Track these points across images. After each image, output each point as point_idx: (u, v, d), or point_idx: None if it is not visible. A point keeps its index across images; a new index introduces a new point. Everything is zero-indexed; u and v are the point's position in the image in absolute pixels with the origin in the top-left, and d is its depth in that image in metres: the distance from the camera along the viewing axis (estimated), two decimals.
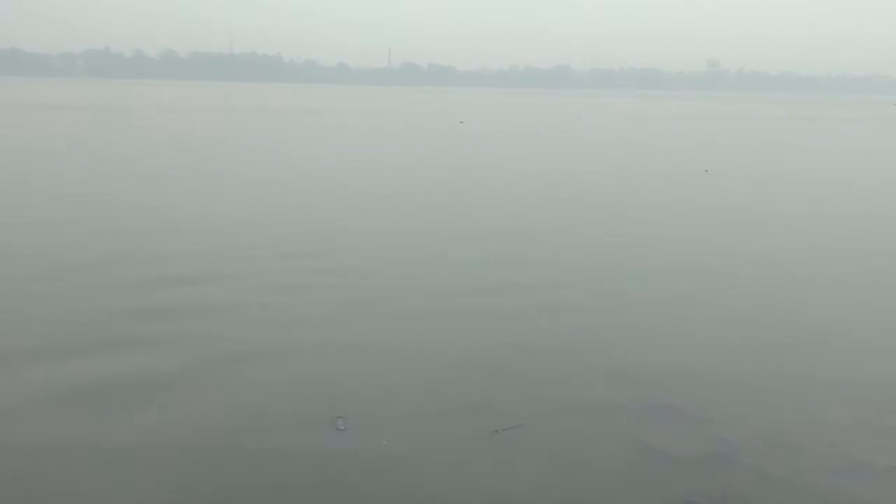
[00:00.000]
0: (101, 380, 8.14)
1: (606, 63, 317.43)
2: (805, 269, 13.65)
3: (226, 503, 6.09)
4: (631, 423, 7.42)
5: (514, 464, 6.64)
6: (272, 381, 8.24)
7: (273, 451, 6.77)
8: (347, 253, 13.97)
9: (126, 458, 6.63)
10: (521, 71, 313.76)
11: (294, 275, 12.38)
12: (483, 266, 13.16)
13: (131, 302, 10.73)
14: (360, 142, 39.47)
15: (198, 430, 7.15)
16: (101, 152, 30.83)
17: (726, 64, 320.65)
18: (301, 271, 12.60)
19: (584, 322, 10.34)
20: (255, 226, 16.34)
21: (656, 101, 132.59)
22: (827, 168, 30.98)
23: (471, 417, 7.45)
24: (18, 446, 6.81)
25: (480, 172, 26.39)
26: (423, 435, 7.13)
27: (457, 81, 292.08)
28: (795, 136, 51.66)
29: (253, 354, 8.93)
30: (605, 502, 6.18)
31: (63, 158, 28.43)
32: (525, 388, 8.15)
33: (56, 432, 7.02)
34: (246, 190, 21.36)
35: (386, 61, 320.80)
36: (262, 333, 9.64)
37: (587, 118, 70.40)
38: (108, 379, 8.17)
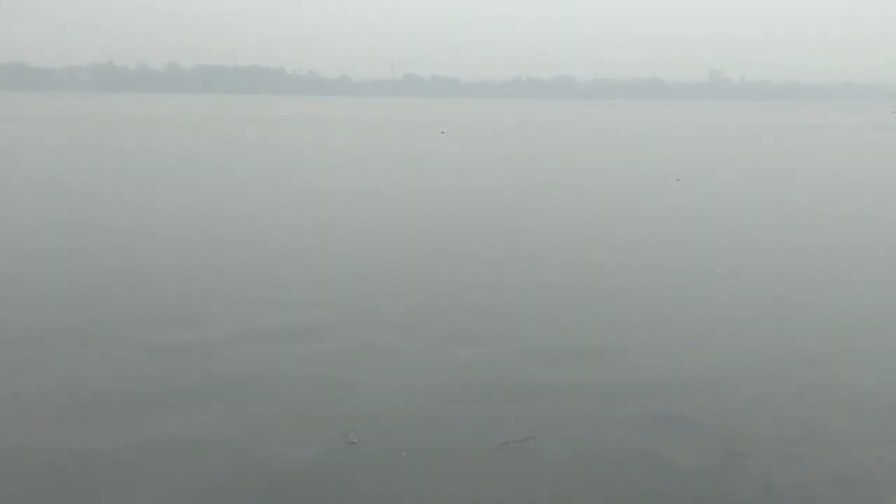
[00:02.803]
0: (114, 393, 8.30)
1: (609, 73, 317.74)
2: (812, 277, 13.75)
3: None
4: (638, 434, 7.53)
5: (523, 476, 6.75)
6: (285, 395, 8.37)
7: (288, 463, 6.91)
8: (356, 266, 14.13)
9: (140, 472, 6.75)
10: (523, 81, 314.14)
11: (307, 282, 12.55)
12: (491, 279, 13.30)
13: (155, 314, 10.92)
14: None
15: (210, 443, 7.29)
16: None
17: (728, 73, 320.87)
18: (311, 278, 12.77)
19: (590, 333, 10.45)
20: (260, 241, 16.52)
21: (654, 111, 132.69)
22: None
23: (482, 430, 7.56)
24: None
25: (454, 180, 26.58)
26: (436, 447, 7.25)
27: (460, 92, 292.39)
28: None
29: (266, 366, 9.09)
30: None
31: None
32: (533, 401, 8.26)
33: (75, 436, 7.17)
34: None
35: (389, 73, 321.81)
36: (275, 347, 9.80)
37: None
38: (124, 389, 8.33)
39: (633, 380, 8.84)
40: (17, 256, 14.74)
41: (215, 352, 9.65)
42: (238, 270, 13.69)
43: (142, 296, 11.95)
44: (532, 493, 6.50)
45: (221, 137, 51.33)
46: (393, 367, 9.17)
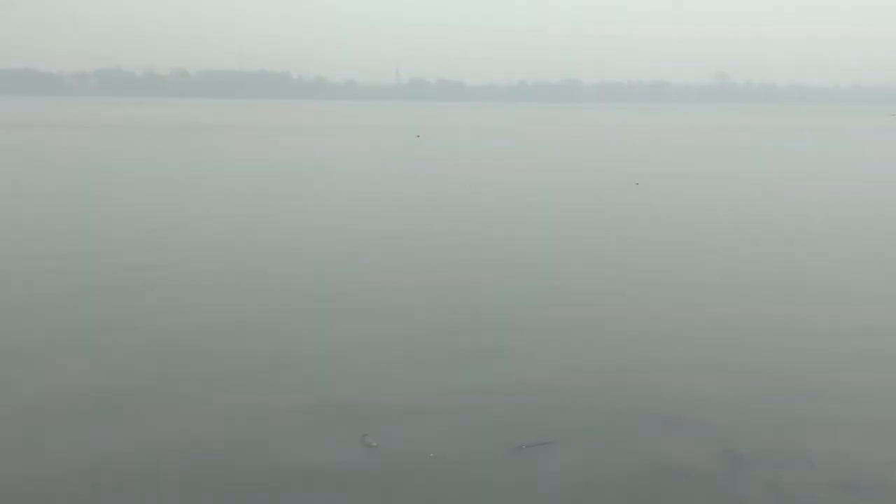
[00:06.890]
0: (112, 384, 8.44)
1: (615, 76, 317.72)
2: (818, 277, 13.79)
3: None
4: (653, 439, 7.62)
5: (535, 480, 6.86)
6: (298, 397, 8.47)
7: (307, 466, 7.02)
8: (362, 269, 14.25)
9: (146, 473, 6.83)
10: (529, 86, 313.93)
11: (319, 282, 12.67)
12: (496, 278, 13.41)
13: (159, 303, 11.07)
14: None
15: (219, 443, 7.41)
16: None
17: (735, 76, 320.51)
18: (321, 273, 12.89)
19: (597, 337, 10.53)
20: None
21: (658, 114, 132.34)
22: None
23: (495, 434, 7.68)
24: None
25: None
26: (452, 451, 7.35)
27: (466, 97, 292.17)
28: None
29: (274, 366, 9.22)
30: None
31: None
32: (544, 408, 8.35)
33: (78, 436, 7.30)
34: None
35: (394, 77, 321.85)
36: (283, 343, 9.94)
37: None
38: (125, 385, 8.47)
39: (648, 385, 8.92)
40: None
41: (216, 351, 9.74)
42: (236, 270, 13.83)
43: (147, 290, 12.09)
44: (549, 496, 6.61)
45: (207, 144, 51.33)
46: (407, 371, 9.25)
